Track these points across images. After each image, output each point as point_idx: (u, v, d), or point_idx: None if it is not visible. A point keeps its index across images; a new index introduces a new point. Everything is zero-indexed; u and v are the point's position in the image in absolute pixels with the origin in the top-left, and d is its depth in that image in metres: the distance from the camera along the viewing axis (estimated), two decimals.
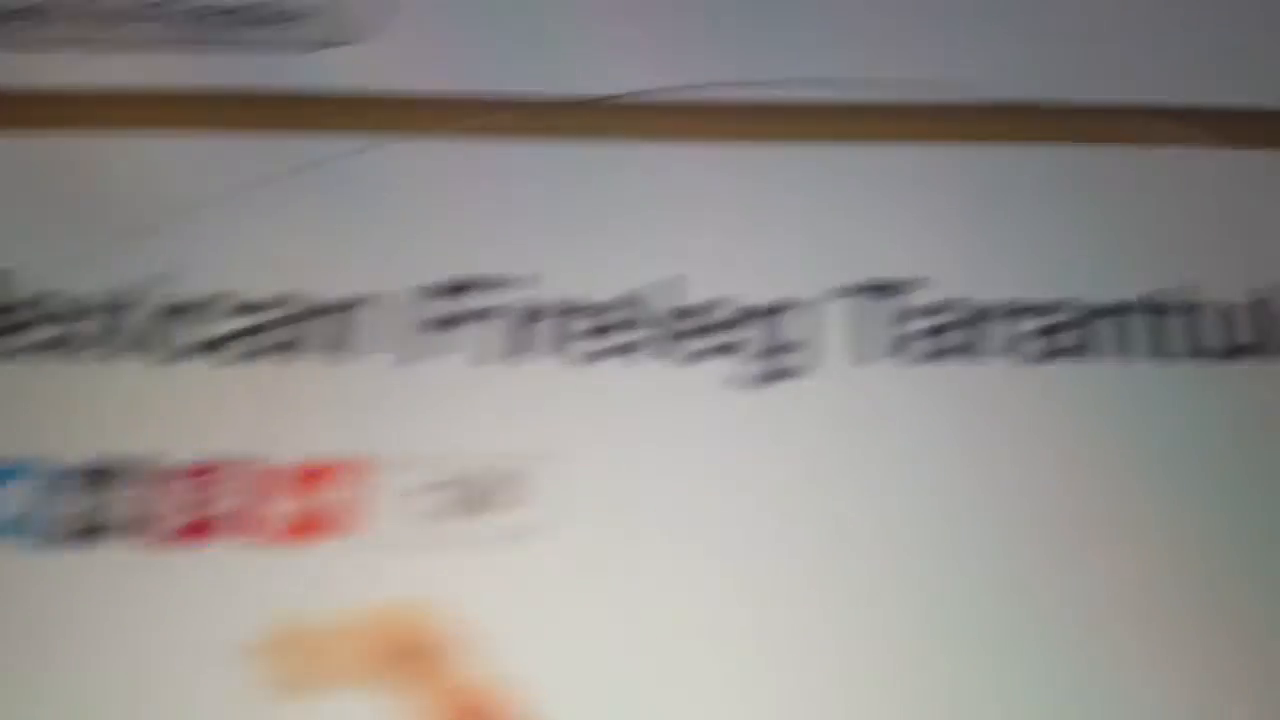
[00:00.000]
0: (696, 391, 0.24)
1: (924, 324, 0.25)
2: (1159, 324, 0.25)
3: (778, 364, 0.25)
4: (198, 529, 0.23)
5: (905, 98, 0.27)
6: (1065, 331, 0.25)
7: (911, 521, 0.23)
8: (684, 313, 0.25)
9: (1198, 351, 0.25)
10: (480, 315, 0.25)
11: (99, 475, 0.23)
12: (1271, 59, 0.27)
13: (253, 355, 0.24)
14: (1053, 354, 0.25)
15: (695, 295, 0.25)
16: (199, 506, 0.23)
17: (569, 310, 0.25)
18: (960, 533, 0.23)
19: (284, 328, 0.25)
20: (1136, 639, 0.22)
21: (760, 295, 0.25)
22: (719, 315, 0.25)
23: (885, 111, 0.26)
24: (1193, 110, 0.27)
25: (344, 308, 0.25)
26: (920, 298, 0.25)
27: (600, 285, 0.25)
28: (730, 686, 0.22)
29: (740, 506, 0.24)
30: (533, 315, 0.25)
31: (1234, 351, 0.25)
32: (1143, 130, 0.27)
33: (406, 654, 0.22)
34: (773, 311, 0.25)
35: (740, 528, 0.23)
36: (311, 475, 0.23)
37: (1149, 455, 0.24)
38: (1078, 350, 0.25)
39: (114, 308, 0.25)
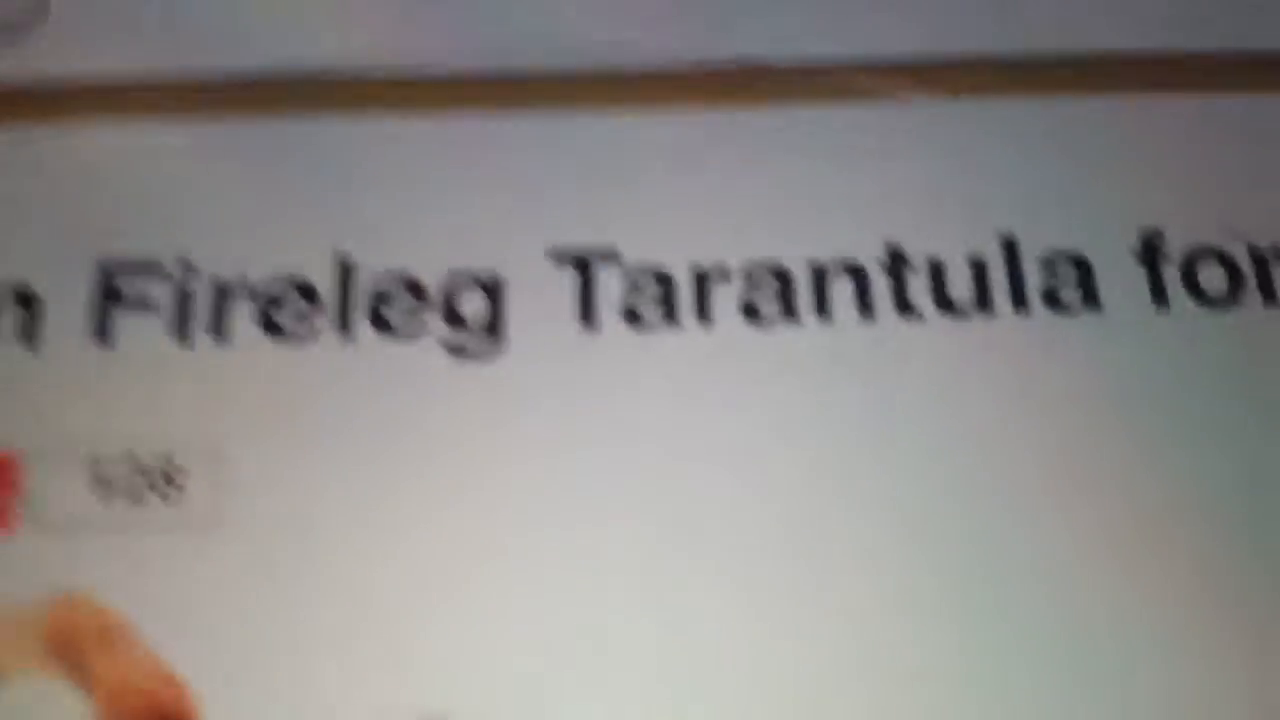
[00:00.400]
0: (383, 372, 0.23)
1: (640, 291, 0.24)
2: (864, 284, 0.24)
3: (466, 339, 0.24)
4: None
5: (580, 65, 0.26)
6: (765, 295, 0.24)
7: (647, 491, 0.23)
8: (361, 290, 0.24)
9: (905, 309, 0.24)
10: (140, 302, 0.24)
11: None
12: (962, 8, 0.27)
13: None
14: (757, 319, 0.24)
15: (367, 272, 0.24)
16: None
17: (231, 292, 0.24)
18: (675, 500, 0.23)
19: None
20: None
21: (441, 267, 0.24)
22: (401, 292, 0.24)
23: (566, 80, 0.26)
24: (899, 63, 0.26)
25: None
26: (625, 264, 0.24)
27: (259, 264, 0.24)
28: (402, 685, 0.21)
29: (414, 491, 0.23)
30: (190, 298, 0.24)
31: (947, 306, 0.24)
32: (842, 85, 0.26)
33: (70, 643, 0.21)
34: (457, 284, 0.24)
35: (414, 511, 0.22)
36: None
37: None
38: (780, 315, 0.24)
39: None
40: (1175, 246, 0.25)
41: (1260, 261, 0.25)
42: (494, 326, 0.24)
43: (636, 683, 0.21)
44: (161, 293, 0.24)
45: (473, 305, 0.24)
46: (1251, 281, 0.25)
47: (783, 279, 0.24)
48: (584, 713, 0.21)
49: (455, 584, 0.22)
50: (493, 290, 0.24)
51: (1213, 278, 0.25)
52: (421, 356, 0.24)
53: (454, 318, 0.24)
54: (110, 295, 0.24)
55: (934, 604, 0.22)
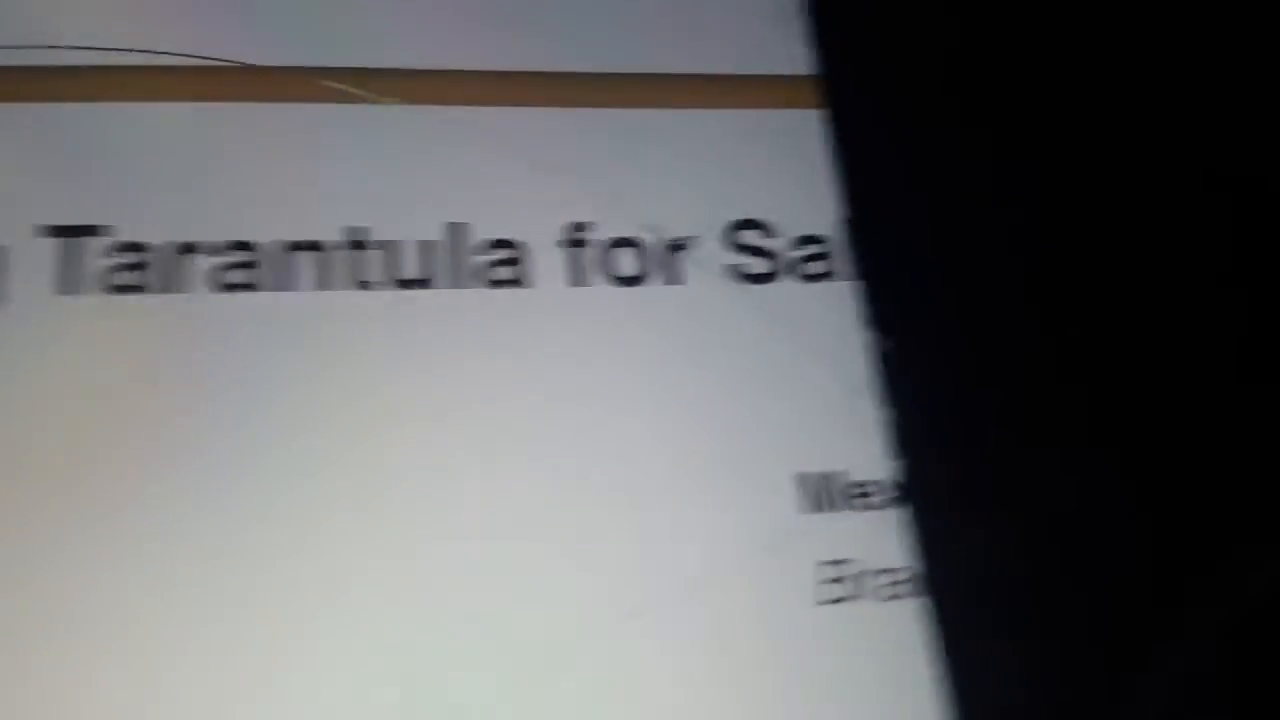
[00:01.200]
0: None
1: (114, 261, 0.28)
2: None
3: None
4: None
5: (85, 61, 0.29)
6: (243, 269, 0.28)
7: (119, 442, 0.26)
8: None
9: (362, 284, 0.29)
10: None
11: None
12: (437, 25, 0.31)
13: None
14: (226, 287, 0.28)
15: None
16: None
17: None
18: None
19: None
20: None
21: None
22: None
23: (65, 73, 0.29)
24: (368, 70, 0.30)
25: None
26: (107, 239, 0.28)
27: None
28: None
29: None
30: None
31: (405, 283, 0.29)
32: (319, 88, 0.30)
33: None
34: None
35: None
36: None
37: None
38: (250, 285, 0.28)
39: None
40: (597, 235, 0.30)
41: (668, 249, 0.30)
42: None
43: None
44: None
45: None
46: (659, 265, 0.30)
47: (252, 255, 0.28)
48: None
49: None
50: None
51: (626, 262, 0.30)
52: None
53: None
54: None
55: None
